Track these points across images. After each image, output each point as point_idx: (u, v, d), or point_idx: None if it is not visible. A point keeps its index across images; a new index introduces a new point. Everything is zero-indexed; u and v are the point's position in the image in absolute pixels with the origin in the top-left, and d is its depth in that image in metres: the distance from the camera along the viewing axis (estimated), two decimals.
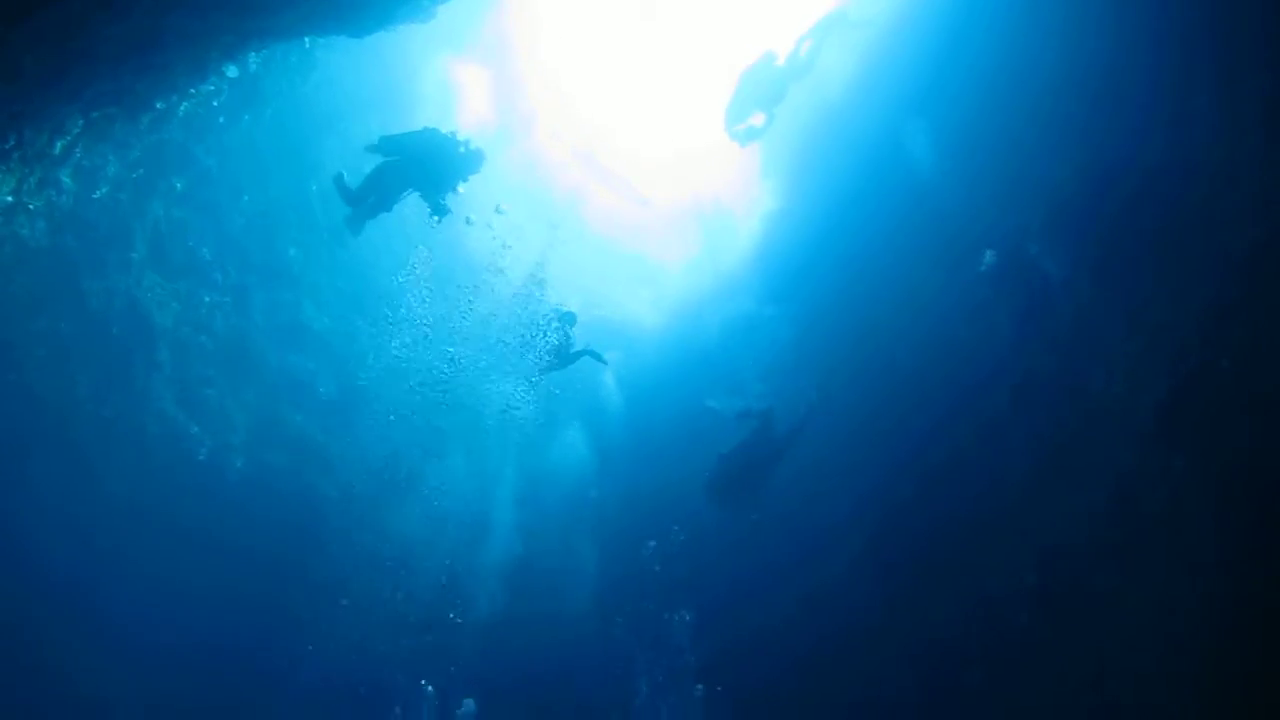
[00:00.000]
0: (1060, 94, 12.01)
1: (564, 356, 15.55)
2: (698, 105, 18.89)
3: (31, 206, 12.99)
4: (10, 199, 11.96)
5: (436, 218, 12.15)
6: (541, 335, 15.98)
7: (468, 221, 16.01)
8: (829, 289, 16.71)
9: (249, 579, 17.18)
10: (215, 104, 14.70)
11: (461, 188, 12.12)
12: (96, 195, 14.17)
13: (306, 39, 14.32)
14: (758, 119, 15.39)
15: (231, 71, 14.03)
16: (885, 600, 14.61)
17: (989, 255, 12.61)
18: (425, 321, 19.25)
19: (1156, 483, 10.11)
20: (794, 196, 18.26)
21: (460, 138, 12.08)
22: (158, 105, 13.03)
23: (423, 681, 17.42)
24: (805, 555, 15.74)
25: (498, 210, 17.19)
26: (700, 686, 16.40)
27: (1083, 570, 11.25)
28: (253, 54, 13.95)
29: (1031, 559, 12.20)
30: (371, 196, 12.48)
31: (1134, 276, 10.78)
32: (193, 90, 13.71)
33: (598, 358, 14.94)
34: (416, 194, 12.24)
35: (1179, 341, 9.92)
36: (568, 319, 15.48)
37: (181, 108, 13.90)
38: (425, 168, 11.96)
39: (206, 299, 17.01)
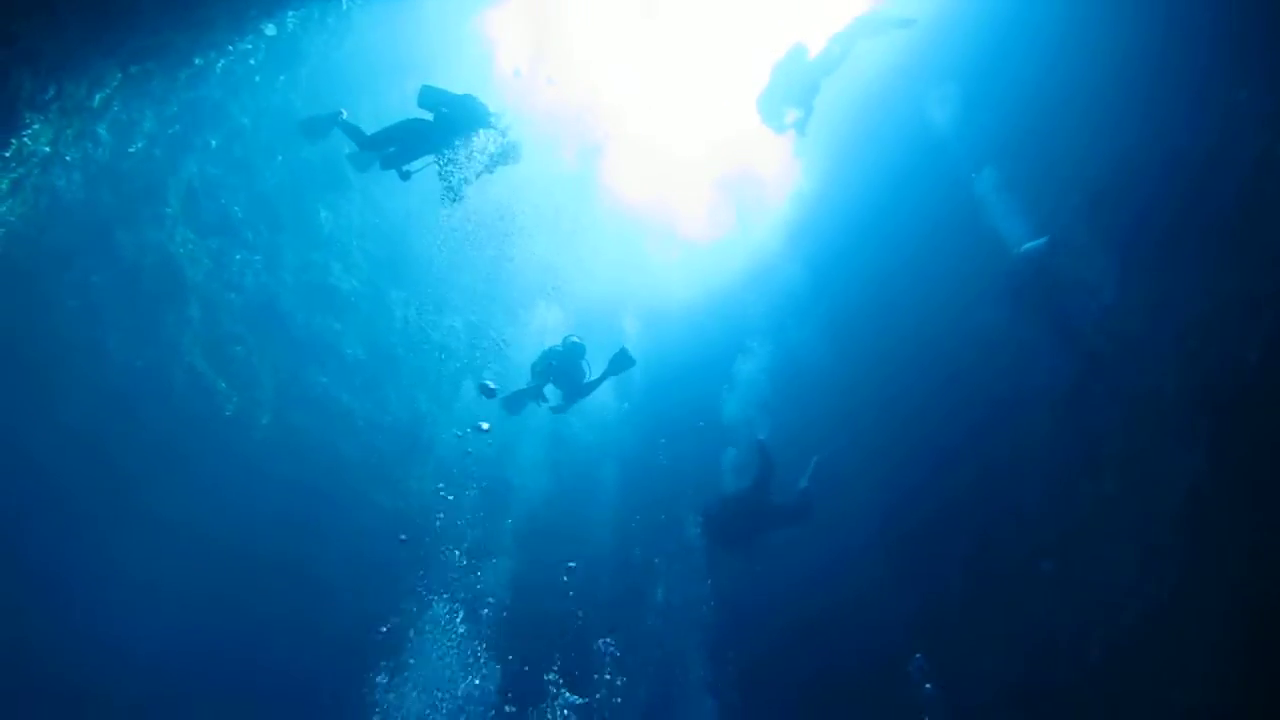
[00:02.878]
0: (1100, 84, 11.89)
1: (581, 387, 14.88)
2: (731, 78, 18.66)
3: (68, 158, 13.12)
4: (48, 149, 12.06)
5: (450, 199, 11.97)
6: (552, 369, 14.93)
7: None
8: (861, 279, 16.63)
9: (270, 536, 17.43)
10: (252, 62, 14.72)
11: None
12: (132, 150, 14.30)
13: (344, 1, 14.35)
14: (791, 115, 15.09)
15: (270, 30, 14.05)
16: (894, 571, 14.66)
17: (1027, 245, 12.44)
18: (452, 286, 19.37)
19: (1177, 475, 10.04)
20: (827, 180, 18.08)
21: (501, 123, 11.78)
22: (196, 61, 13.11)
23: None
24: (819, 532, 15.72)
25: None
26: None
27: (1100, 560, 11.22)
28: (291, 13, 14.01)
29: (1048, 545, 12.17)
30: (392, 147, 12.15)
31: (1164, 267, 10.69)
32: (230, 48, 13.77)
33: (623, 365, 14.57)
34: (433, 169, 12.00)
35: (1206, 334, 9.84)
36: (576, 351, 14.79)
37: (219, 65, 13.95)
38: (454, 134, 11.71)
39: (237, 257, 17.14)
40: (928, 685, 13.60)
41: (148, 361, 16.54)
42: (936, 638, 13.70)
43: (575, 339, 14.87)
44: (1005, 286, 12.76)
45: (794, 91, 14.78)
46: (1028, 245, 12.29)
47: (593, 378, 14.92)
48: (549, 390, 14.96)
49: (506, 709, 16.08)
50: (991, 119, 14.01)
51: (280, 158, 17.03)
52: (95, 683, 15.78)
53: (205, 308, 16.96)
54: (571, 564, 17.44)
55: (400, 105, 16.62)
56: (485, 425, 16.04)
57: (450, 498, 17.55)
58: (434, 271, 19.26)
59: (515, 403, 15.35)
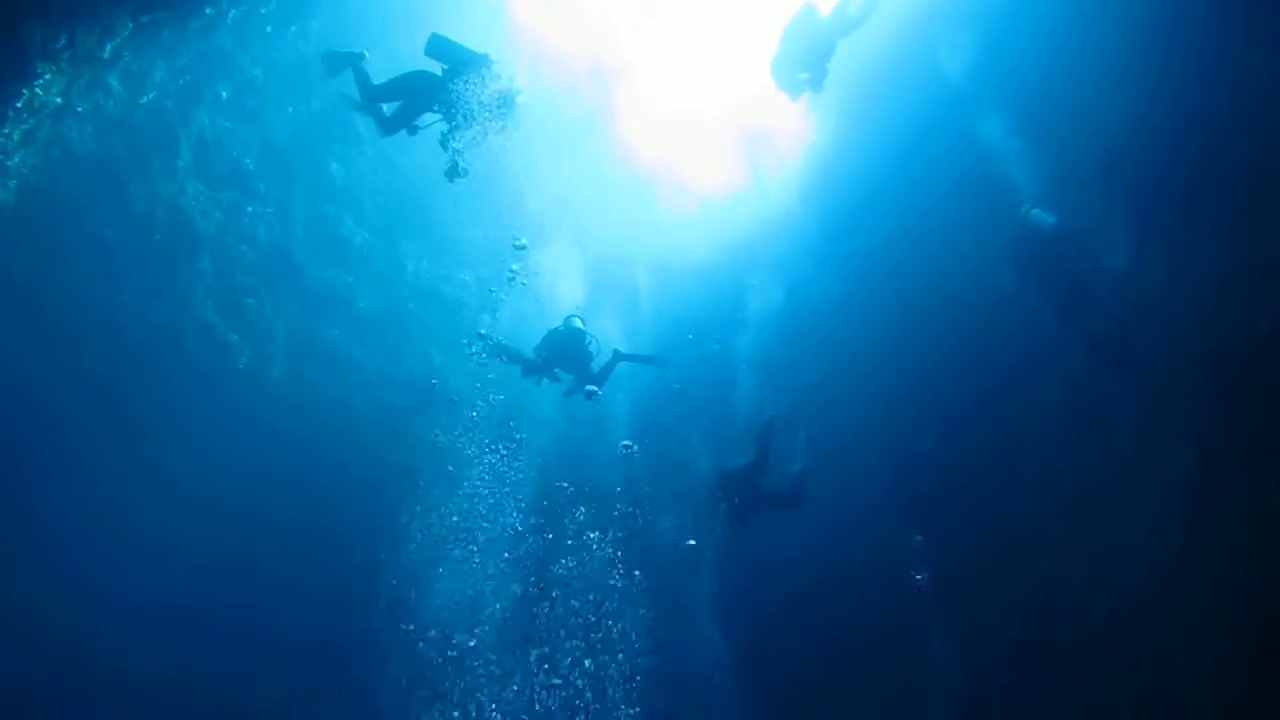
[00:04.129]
0: (1115, 47, 11.72)
1: (589, 372, 14.31)
2: (745, 32, 18.36)
3: (80, 109, 13.08)
4: (59, 100, 12.05)
5: (459, 175, 11.31)
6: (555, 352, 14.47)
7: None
8: (874, 236, 16.51)
9: (282, 488, 17.58)
10: (263, 12, 14.60)
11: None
12: (143, 101, 14.23)
13: None
14: (805, 76, 14.41)
15: None
16: (904, 534, 14.71)
17: (1035, 212, 12.28)
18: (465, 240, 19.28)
19: (1186, 440, 10.04)
20: (842, 135, 17.90)
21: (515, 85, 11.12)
22: (207, 11, 13.04)
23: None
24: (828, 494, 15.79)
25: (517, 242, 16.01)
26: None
27: (1107, 522, 11.26)
28: None
29: (1057, 505, 12.21)
30: (399, 99, 11.58)
31: (1180, 231, 10.61)
32: None
33: (654, 361, 14.15)
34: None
35: (1219, 298, 9.78)
36: (576, 335, 14.23)
37: (230, 15, 13.84)
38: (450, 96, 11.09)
39: (249, 209, 17.13)
40: (919, 577, 13.91)
41: (160, 314, 16.60)
42: (945, 598, 13.81)
43: (577, 321, 14.45)
44: (1009, 253, 12.65)
45: (807, 54, 14.18)
46: (1035, 214, 12.12)
47: (603, 361, 14.53)
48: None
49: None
50: (1007, 78, 13.82)
51: (291, 109, 16.95)
52: (102, 633, 15.94)
53: (217, 260, 16.99)
54: (627, 443, 16.79)
55: (413, 57, 16.58)
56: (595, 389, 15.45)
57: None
58: (446, 224, 19.21)
59: (506, 354, 14.95)
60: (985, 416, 13.88)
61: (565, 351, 14.32)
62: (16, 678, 14.73)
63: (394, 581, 16.55)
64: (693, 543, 16.09)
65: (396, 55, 16.30)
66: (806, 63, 14.20)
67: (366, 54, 11.73)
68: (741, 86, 18.99)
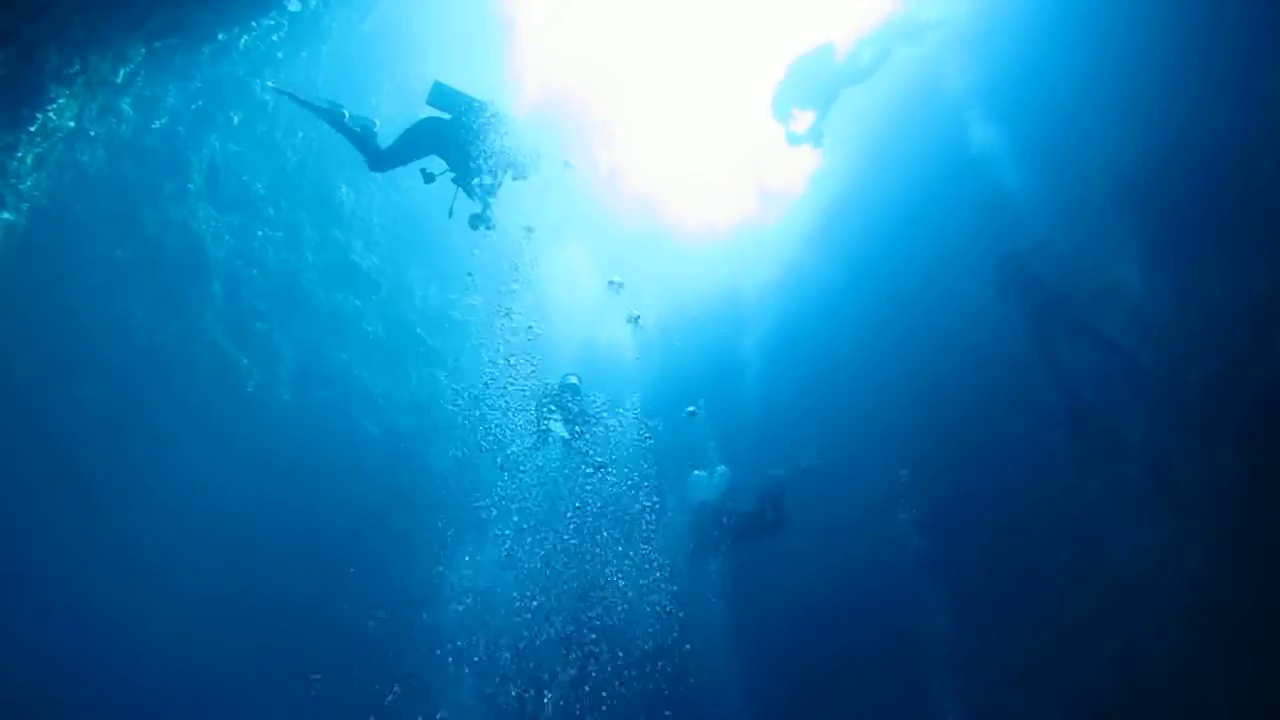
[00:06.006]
0: (1126, 74, 11.78)
1: (584, 419, 14.13)
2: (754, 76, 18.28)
3: (92, 133, 13.17)
4: (72, 124, 12.14)
5: (484, 227, 10.59)
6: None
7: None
8: (881, 272, 16.53)
9: (290, 512, 17.56)
10: (275, 38, 14.70)
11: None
12: (156, 125, 14.36)
13: None
14: (806, 118, 14.10)
15: (293, 6, 14.02)
16: (915, 560, 14.67)
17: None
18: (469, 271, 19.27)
19: (1199, 464, 9.98)
20: (849, 172, 17.82)
21: (522, 143, 10.39)
22: (219, 37, 13.14)
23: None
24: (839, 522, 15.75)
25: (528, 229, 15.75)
26: None
27: (1119, 549, 11.19)
28: None
29: (1068, 536, 12.15)
30: (414, 152, 10.83)
31: (1191, 255, 10.60)
32: (254, 23, 13.78)
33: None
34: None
35: (1231, 322, 9.75)
36: (570, 390, 14.03)
37: (242, 41, 13.97)
38: (463, 150, 10.40)
39: (259, 233, 17.20)
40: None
41: (170, 337, 16.66)
42: (956, 624, 13.73)
43: (572, 379, 14.28)
44: (998, 283, 12.72)
45: (810, 93, 13.94)
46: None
47: (594, 409, 14.46)
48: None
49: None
50: (1016, 105, 13.87)
51: (302, 134, 17.05)
52: (112, 655, 15.94)
53: (227, 284, 17.05)
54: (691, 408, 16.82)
55: (421, 84, 16.64)
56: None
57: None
58: (454, 250, 19.22)
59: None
60: (994, 444, 13.85)
61: (561, 404, 13.98)
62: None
63: (380, 614, 16.49)
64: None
65: (405, 82, 16.53)
66: (807, 101, 13.99)
67: (346, 113, 10.92)
68: (752, 121, 19.00)
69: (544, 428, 14.29)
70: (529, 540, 16.56)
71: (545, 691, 15.17)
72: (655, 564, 16.12)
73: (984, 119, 14.32)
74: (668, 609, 15.60)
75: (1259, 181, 9.66)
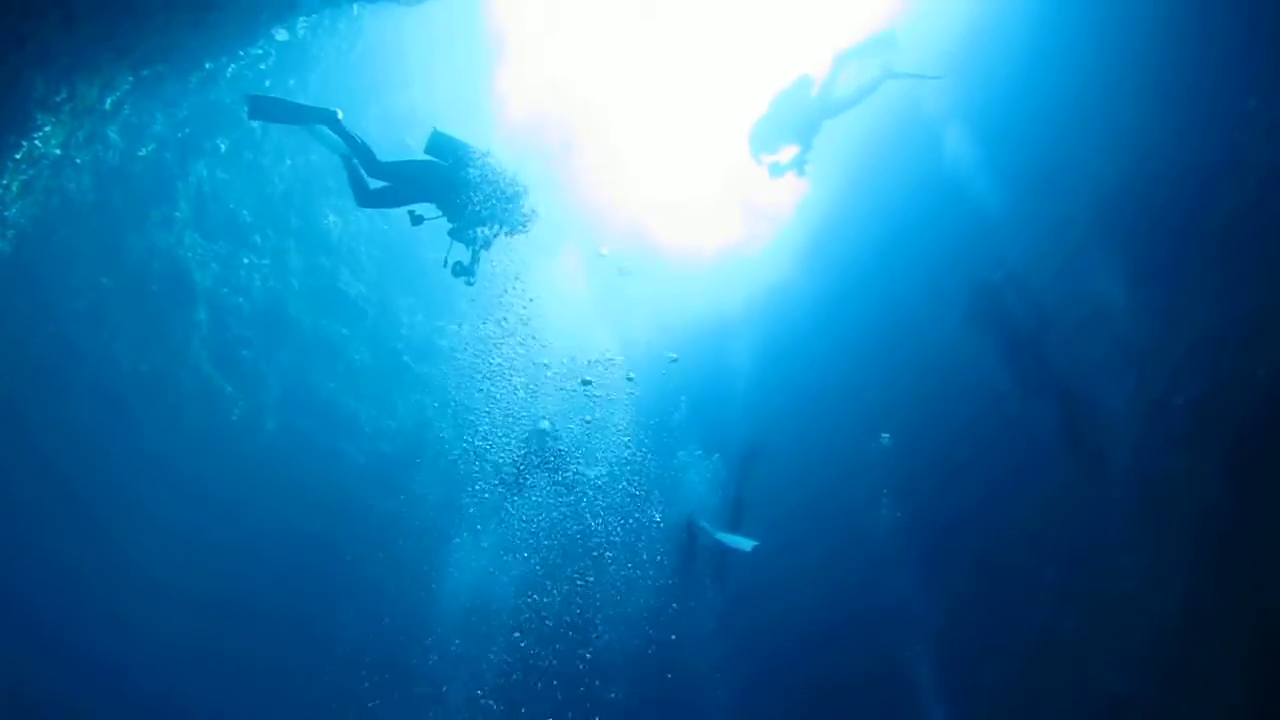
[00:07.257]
0: (1108, 95, 11.89)
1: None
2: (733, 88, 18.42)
3: (78, 161, 13.17)
4: (59, 152, 12.13)
5: (465, 280, 10.43)
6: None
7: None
8: (868, 297, 16.62)
9: (275, 539, 17.45)
10: (262, 67, 14.77)
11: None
12: (142, 153, 14.35)
13: (355, 5, 14.37)
14: (788, 151, 14.02)
15: (280, 35, 14.11)
16: (905, 584, 14.64)
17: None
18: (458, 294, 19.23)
19: (1185, 487, 10.01)
20: (832, 190, 17.97)
21: (516, 187, 10.13)
22: (206, 65, 13.17)
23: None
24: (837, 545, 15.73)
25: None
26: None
27: (1106, 571, 11.19)
28: (301, 18, 14.08)
29: (1056, 557, 12.15)
30: (391, 182, 10.36)
31: (1176, 279, 10.67)
32: (241, 52, 13.84)
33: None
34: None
35: (1217, 347, 9.81)
36: (545, 436, 14.24)
37: (229, 69, 14.03)
38: (456, 196, 10.16)
39: (245, 261, 17.17)
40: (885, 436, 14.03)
41: (155, 364, 16.57)
42: (942, 648, 13.69)
43: (545, 424, 14.50)
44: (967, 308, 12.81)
45: (792, 126, 13.88)
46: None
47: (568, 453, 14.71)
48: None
49: None
50: (1001, 128, 13.99)
51: (289, 162, 17.08)
52: (99, 683, 15.77)
53: (213, 311, 17.00)
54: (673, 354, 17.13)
55: (408, 111, 16.75)
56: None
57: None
58: (440, 278, 19.18)
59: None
60: (980, 467, 13.86)
61: (541, 453, 14.22)
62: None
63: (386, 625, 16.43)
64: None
65: (392, 110, 16.61)
66: (788, 135, 13.94)
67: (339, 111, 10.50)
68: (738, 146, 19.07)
69: (521, 479, 14.58)
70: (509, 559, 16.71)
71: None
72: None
73: (969, 142, 14.43)
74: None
75: (1244, 205, 9.75)
